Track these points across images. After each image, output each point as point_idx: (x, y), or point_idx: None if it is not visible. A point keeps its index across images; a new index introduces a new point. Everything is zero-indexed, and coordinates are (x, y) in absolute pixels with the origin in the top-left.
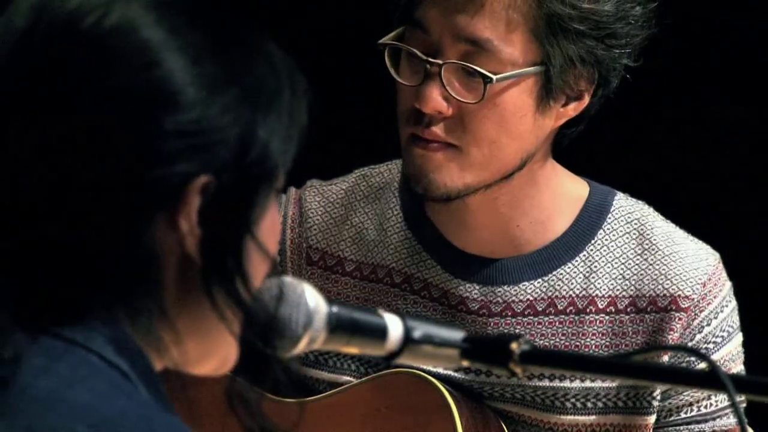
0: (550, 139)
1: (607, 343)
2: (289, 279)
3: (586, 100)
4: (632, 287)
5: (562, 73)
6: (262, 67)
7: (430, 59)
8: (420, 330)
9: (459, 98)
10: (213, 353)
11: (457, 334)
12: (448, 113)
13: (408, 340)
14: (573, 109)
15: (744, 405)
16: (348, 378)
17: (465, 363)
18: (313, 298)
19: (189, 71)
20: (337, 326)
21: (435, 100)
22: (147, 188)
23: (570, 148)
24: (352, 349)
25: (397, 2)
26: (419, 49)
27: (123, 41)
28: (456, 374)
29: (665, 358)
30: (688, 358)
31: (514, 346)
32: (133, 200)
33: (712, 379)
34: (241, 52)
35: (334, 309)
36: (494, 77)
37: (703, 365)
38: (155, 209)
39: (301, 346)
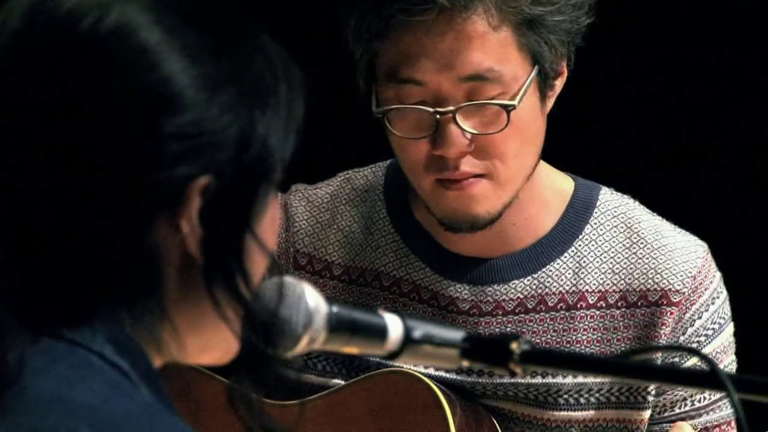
0: None
1: (599, 338)
2: (289, 279)
3: (566, 72)
4: (622, 281)
5: (552, 62)
6: (258, 62)
7: (439, 109)
8: (420, 330)
9: (480, 133)
10: (212, 347)
11: (457, 334)
12: (471, 149)
13: (408, 340)
14: (558, 86)
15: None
16: (337, 381)
17: (465, 363)
18: (313, 298)
19: (188, 72)
20: (337, 326)
21: (458, 144)
22: (148, 191)
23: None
24: (352, 349)
25: (382, 68)
26: (421, 102)
27: (121, 44)
28: (447, 374)
29: (658, 353)
30: (680, 353)
31: (514, 345)
32: (135, 203)
33: (712, 379)
34: (238, 50)
35: (334, 309)
36: (515, 103)
37: (694, 360)
38: (157, 211)
39: (302, 346)
